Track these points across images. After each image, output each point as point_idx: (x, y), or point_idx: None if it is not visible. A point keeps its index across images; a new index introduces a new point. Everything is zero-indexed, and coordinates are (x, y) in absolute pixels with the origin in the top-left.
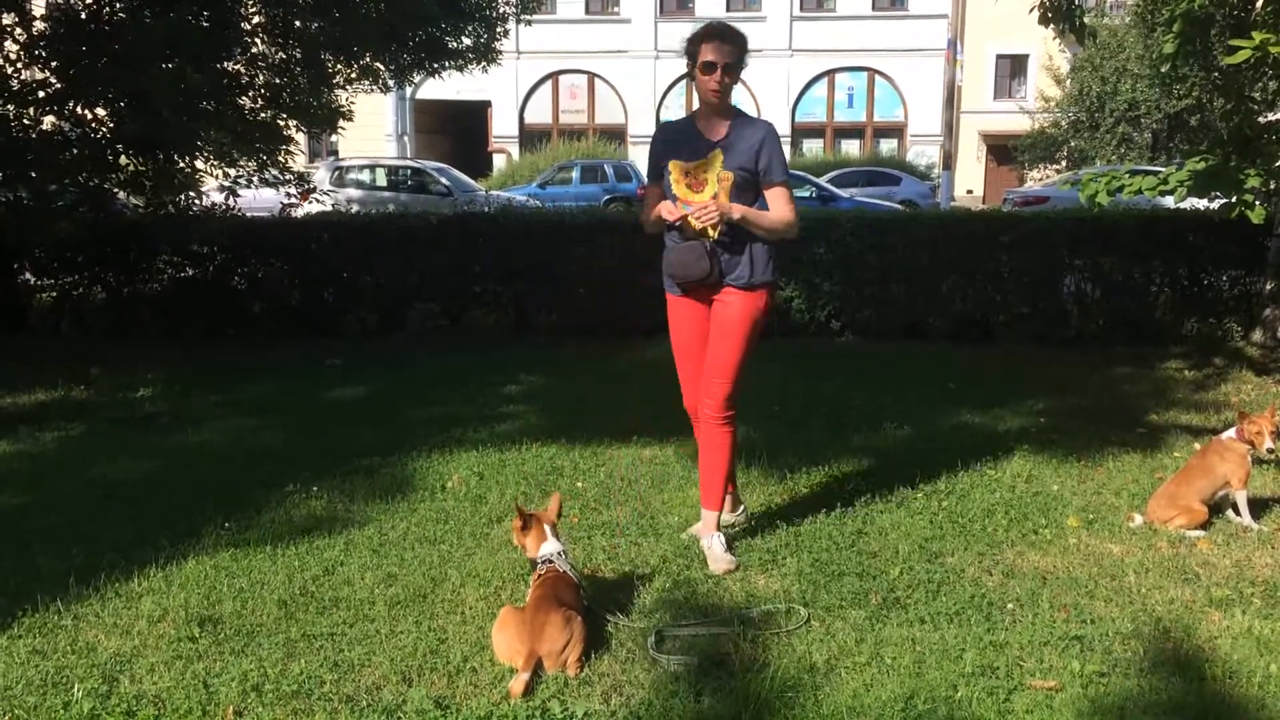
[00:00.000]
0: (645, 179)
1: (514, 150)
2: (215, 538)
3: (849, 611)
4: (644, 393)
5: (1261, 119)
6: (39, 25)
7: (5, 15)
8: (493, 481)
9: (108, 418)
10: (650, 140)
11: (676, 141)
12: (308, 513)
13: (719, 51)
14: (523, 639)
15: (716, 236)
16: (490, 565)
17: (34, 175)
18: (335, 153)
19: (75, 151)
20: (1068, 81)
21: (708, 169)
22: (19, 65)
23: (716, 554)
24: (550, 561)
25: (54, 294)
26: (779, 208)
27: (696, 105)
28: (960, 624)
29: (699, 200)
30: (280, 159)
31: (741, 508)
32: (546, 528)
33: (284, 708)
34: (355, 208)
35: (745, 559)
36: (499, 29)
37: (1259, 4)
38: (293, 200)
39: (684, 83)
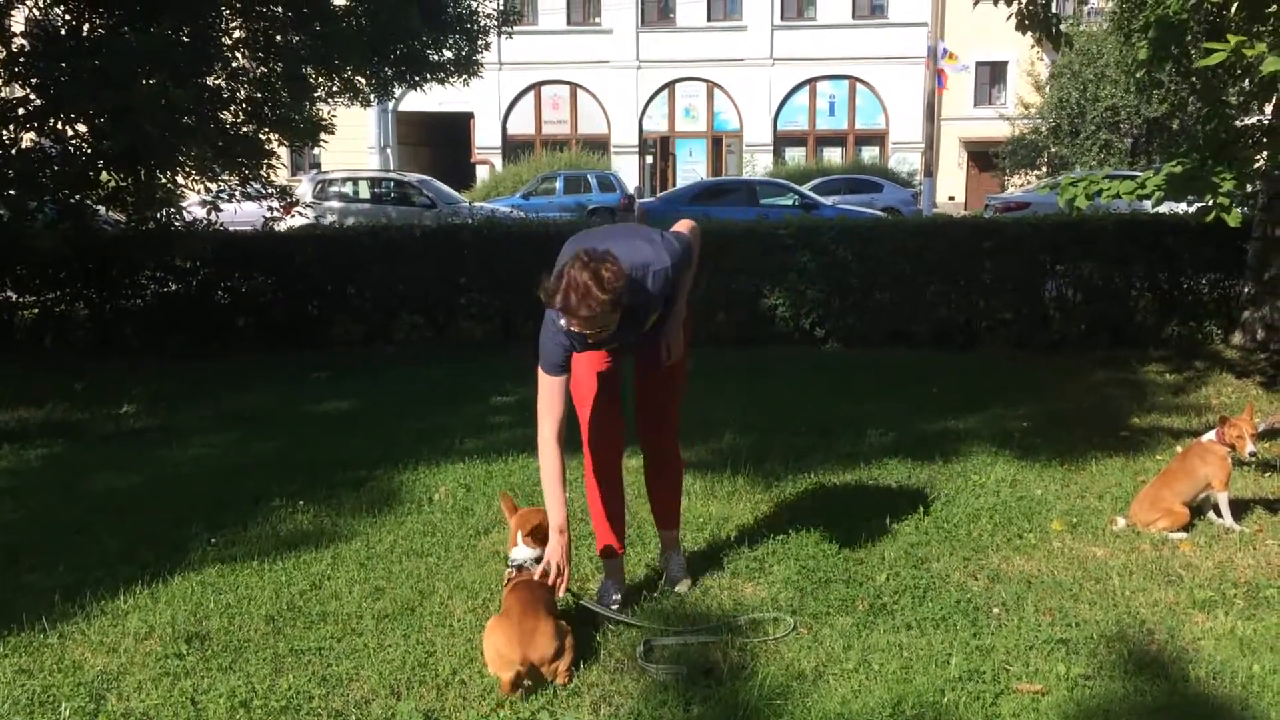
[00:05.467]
0: (553, 365)
1: (497, 161)
2: (202, 553)
3: (836, 618)
4: (629, 403)
5: (1237, 123)
6: (18, 42)
7: None
8: (480, 493)
9: (93, 433)
10: (552, 332)
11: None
12: (294, 527)
13: (582, 325)
14: (513, 647)
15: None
16: (478, 577)
17: (13, 193)
18: (318, 166)
19: (56, 168)
20: (1047, 88)
21: None
22: None
23: (673, 574)
24: (523, 567)
25: (36, 310)
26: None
27: (676, 111)
28: (946, 629)
29: None
30: (262, 173)
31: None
32: (518, 535)
33: None
34: (334, 219)
35: (733, 567)
36: (480, 41)
37: (1232, 9)
38: (275, 214)
39: (665, 92)
